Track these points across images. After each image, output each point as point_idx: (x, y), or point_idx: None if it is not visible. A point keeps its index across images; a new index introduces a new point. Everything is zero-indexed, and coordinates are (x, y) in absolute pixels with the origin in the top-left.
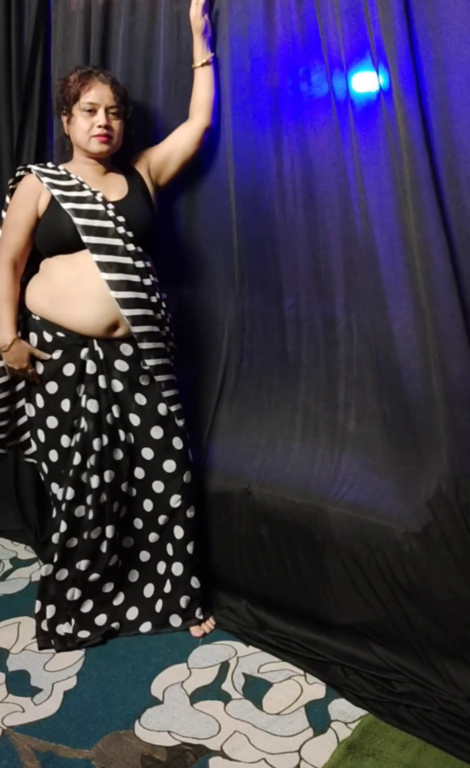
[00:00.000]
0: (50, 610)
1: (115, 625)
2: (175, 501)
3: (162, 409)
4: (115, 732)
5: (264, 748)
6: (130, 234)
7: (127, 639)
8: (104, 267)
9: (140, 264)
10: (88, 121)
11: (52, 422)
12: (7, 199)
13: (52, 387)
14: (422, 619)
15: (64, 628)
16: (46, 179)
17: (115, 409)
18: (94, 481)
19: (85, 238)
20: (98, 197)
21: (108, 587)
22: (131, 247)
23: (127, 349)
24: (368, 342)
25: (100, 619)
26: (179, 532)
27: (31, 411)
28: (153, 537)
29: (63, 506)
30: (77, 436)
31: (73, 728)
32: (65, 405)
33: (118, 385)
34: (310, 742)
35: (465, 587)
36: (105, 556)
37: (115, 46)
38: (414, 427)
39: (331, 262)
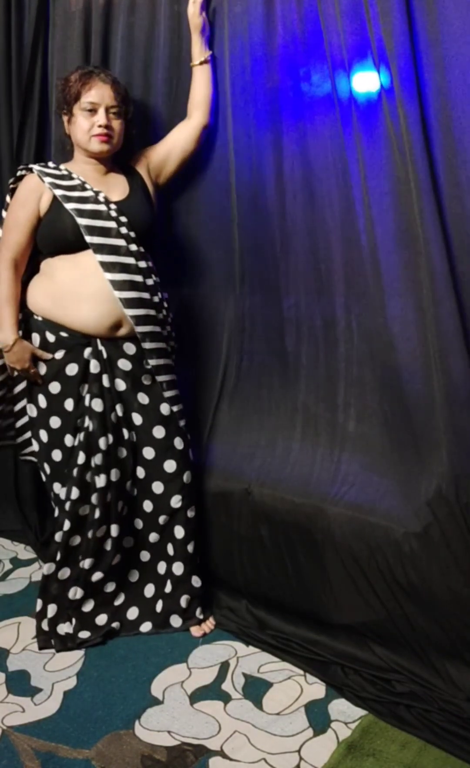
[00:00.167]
0: (51, 609)
1: (115, 624)
2: (175, 501)
3: (164, 408)
4: (115, 732)
5: (264, 748)
6: (132, 234)
7: (127, 639)
8: (108, 267)
9: (142, 264)
10: (89, 120)
11: (55, 422)
12: (8, 198)
13: (55, 387)
14: (422, 619)
15: (64, 628)
16: (48, 179)
17: (119, 408)
18: (101, 480)
19: (88, 239)
20: (100, 197)
21: (110, 587)
22: (133, 247)
23: (130, 348)
24: (368, 342)
25: (101, 619)
26: (179, 532)
27: (32, 411)
28: (153, 537)
29: (67, 505)
30: (81, 436)
31: (73, 728)
32: (69, 405)
33: (121, 384)
34: (310, 742)
35: (465, 587)
36: (109, 554)
37: (115, 46)
38: (414, 427)
39: (331, 262)
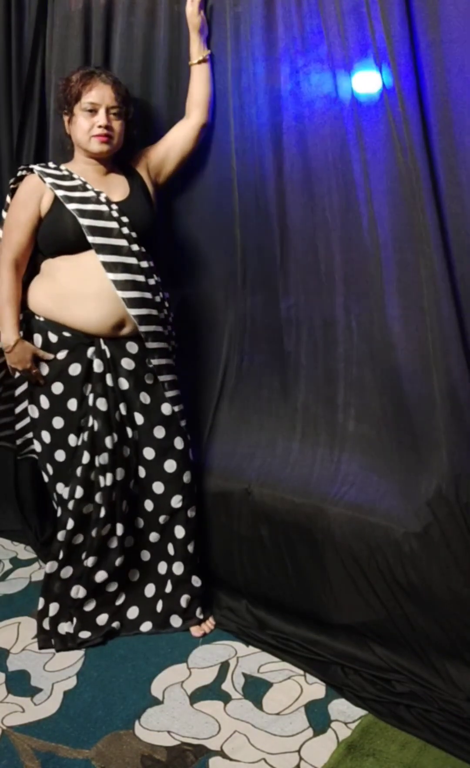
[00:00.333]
0: (53, 608)
1: (115, 624)
2: (176, 501)
3: (166, 409)
4: (115, 732)
5: (264, 748)
6: (133, 234)
7: (127, 639)
8: (110, 267)
9: (144, 264)
10: (89, 121)
11: (58, 423)
12: (8, 198)
13: (57, 387)
14: (422, 619)
15: (65, 627)
16: (49, 179)
17: (122, 407)
18: (107, 479)
19: (90, 239)
20: (102, 198)
21: (112, 587)
22: (135, 247)
23: (132, 347)
24: (368, 342)
25: (102, 619)
26: (179, 531)
27: (34, 413)
28: (154, 537)
29: (70, 504)
30: (84, 435)
31: (73, 728)
32: (72, 405)
33: (124, 383)
34: (310, 742)
35: (465, 587)
36: (113, 553)
37: (115, 45)
38: (414, 427)
39: (331, 262)
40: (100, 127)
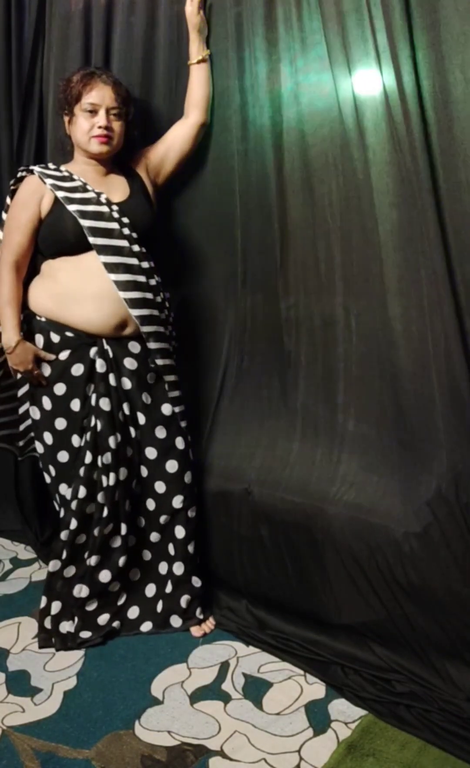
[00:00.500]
0: (55, 607)
1: (116, 624)
2: (177, 502)
3: (166, 409)
4: (115, 732)
5: (264, 748)
6: (134, 235)
7: (127, 639)
8: (111, 268)
9: (145, 264)
10: (89, 121)
11: (60, 423)
12: (8, 200)
13: (60, 388)
14: (422, 619)
15: (67, 626)
16: (49, 180)
17: (125, 407)
18: (110, 479)
19: (91, 240)
20: (102, 199)
21: (115, 586)
22: (136, 247)
23: (135, 347)
24: (367, 342)
25: (103, 619)
26: (180, 531)
27: (35, 414)
28: (155, 536)
29: (73, 504)
30: (87, 435)
31: (73, 728)
32: (75, 405)
33: (127, 383)
34: (310, 742)
35: (465, 587)
36: (117, 552)
37: (115, 45)
38: (414, 427)
39: (331, 262)
40: (100, 127)
